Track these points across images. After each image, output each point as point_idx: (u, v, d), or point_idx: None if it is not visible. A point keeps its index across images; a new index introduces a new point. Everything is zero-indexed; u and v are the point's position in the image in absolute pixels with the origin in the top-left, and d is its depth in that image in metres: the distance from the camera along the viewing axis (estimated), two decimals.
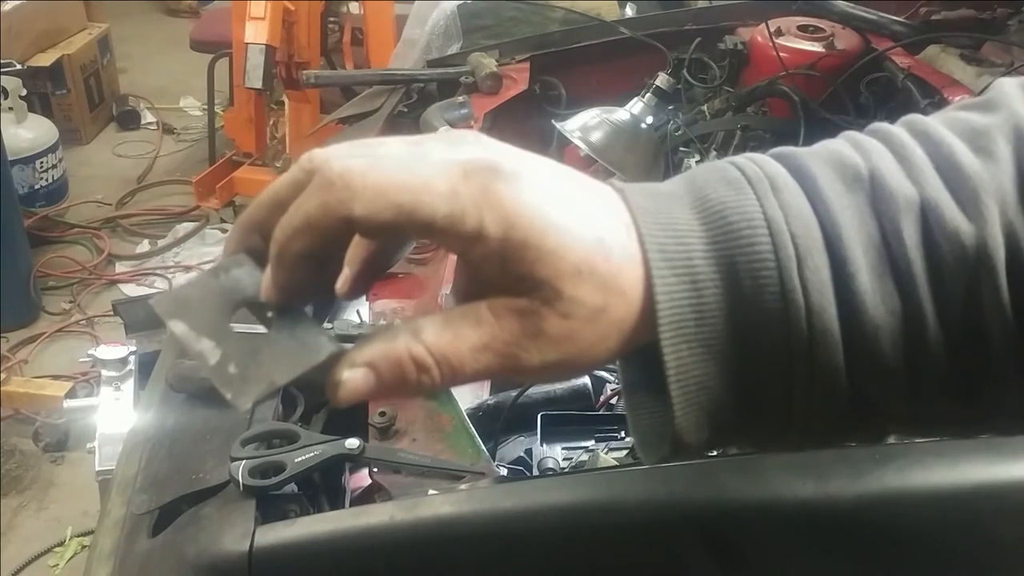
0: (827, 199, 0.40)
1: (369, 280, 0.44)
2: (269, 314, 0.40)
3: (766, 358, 0.39)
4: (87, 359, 1.38)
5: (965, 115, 0.44)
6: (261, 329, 0.40)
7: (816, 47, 1.63)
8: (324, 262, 0.40)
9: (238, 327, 0.40)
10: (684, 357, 0.39)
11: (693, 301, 0.39)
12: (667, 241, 0.39)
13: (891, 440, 0.90)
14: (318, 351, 0.39)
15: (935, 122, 0.43)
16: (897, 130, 0.44)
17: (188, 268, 3.29)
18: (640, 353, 0.41)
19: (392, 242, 0.44)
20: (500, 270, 0.38)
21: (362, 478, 0.91)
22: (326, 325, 1.03)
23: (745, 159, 0.43)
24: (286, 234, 0.39)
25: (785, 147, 0.44)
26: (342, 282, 0.43)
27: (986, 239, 0.39)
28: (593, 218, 0.39)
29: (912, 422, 0.45)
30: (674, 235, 0.40)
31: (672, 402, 0.39)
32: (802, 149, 0.43)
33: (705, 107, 1.63)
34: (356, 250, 0.43)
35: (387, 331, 0.39)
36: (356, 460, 0.81)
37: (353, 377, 0.38)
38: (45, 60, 3.86)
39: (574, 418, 1.07)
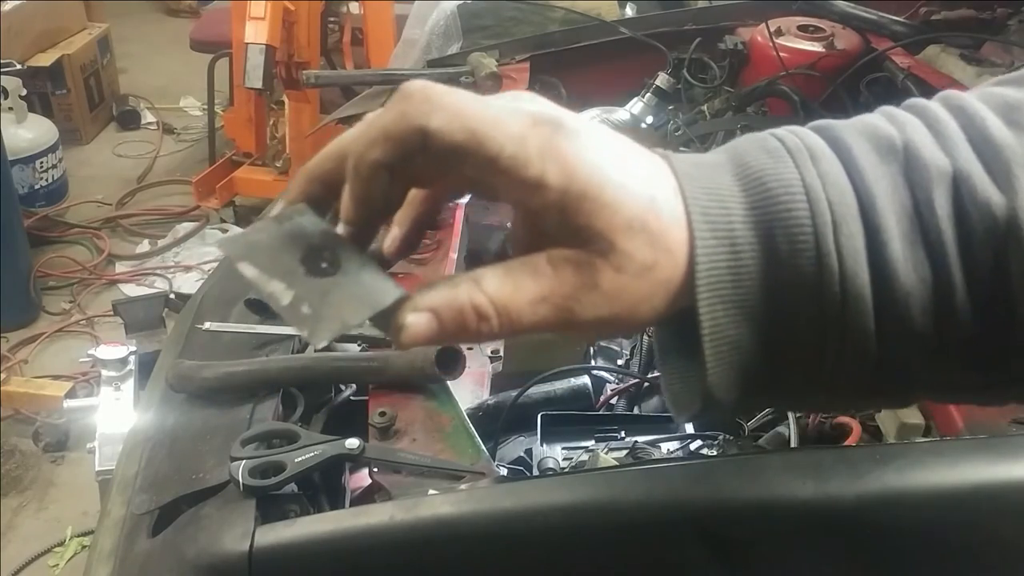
0: (862, 169, 0.41)
1: (416, 240, 0.47)
2: (333, 260, 0.42)
3: (798, 321, 0.41)
4: (87, 359, 1.38)
5: (1000, 90, 0.45)
6: (329, 273, 0.41)
7: (816, 47, 1.63)
8: (395, 178, 0.41)
9: (306, 270, 0.41)
10: (719, 317, 0.40)
11: (731, 263, 0.40)
12: (709, 205, 0.41)
13: (891, 441, 0.90)
14: (385, 294, 0.41)
15: (970, 96, 0.45)
16: (932, 104, 0.45)
17: (188, 268, 3.29)
18: (674, 317, 0.43)
19: (446, 189, 0.46)
20: (558, 221, 0.40)
21: (362, 478, 0.91)
22: None
23: (785, 131, 0.44)
24: (363, 144, 0.41)
25: (822, 120, 0.45)
26: (390, 241, 0.46)
27: (1016, 210, 0.40)
28: (645, 179, 0.41)
29: (936, 388, 0.45)
30: (716, 199, 0.41)
31: (705, 361, 0.41)
32: (839, 121, 0.44)
33: (705, 107, 1.63)
34: (405, 211, 0.46)
35: (450, 279, 0.41)
36: (356, 460, 0.81)
37: (417, 322, 0.40)
38: (45, 60, 3.86)
39: (574, 418, 1.07)
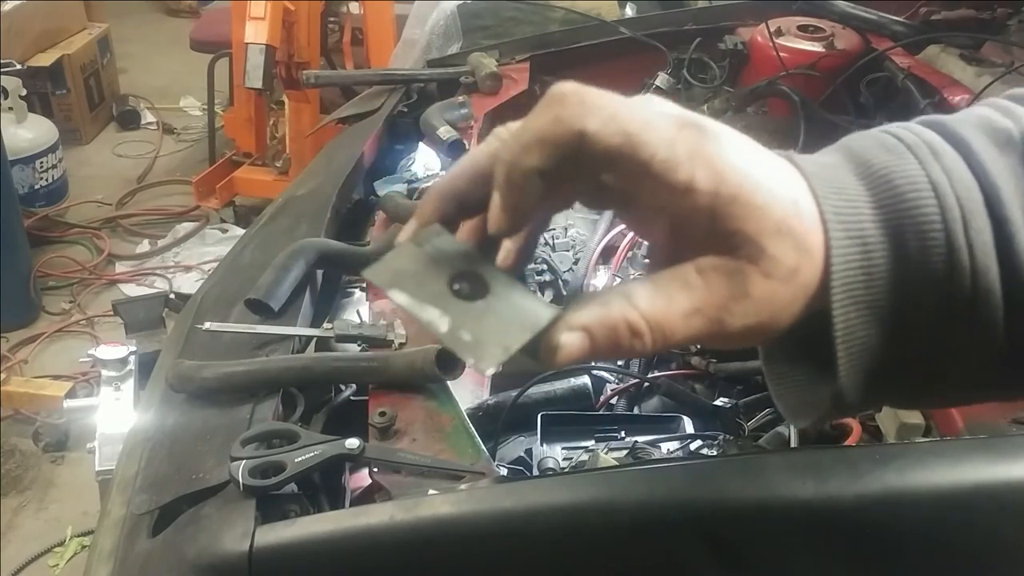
0: (983, 162, 0.41)
1: (532, 252, 0.47)
2: (480, 282, 0.42)
3: (928, 319, 0.40)
4: (87, 359, 1.38)
5: None
6: (479, 295, 0.42)
7: (816, 47, 1.63)
8: (550, 186, 0.40)
9: (455, 294, 0.41)
10: (852, 319, 0.40)
11: (863, 264, 0.40)
12: (840, 205, 0.41)
13: (891, 441, 0.90)
14: (540, 315, 0.40)
15: None
16: (1014, 106, 0.45)
17: (188, 268, 3.29)
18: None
19: (571, 196, 0.45)
20: (706, 227, 0.39)
21: (362, 478, 0.91)
22: (326, 325, 1.03)
23: (898, 127, 0.44)
24: (516, 151, 0.40)
25: (932, 115, 0.45)
26: (505, 255, 0.45)
27: None
28: (786, 181, 0.41)
29: None
30: (846, 199, 0.41)
31: (837, 364, 0.40)
32: (950, 116, 0.44)
33: (705, 107, 1.63)
34: None
35: (598, 296, 0.40)
36: (356, 460, 0.81)
37: (570, 341, 0.39)
38: (45, 60, 3.86)
39: (574, 418, 1.07)
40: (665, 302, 0.39)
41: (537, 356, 0.40)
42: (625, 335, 0.39)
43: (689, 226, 0.40)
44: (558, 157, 0.39)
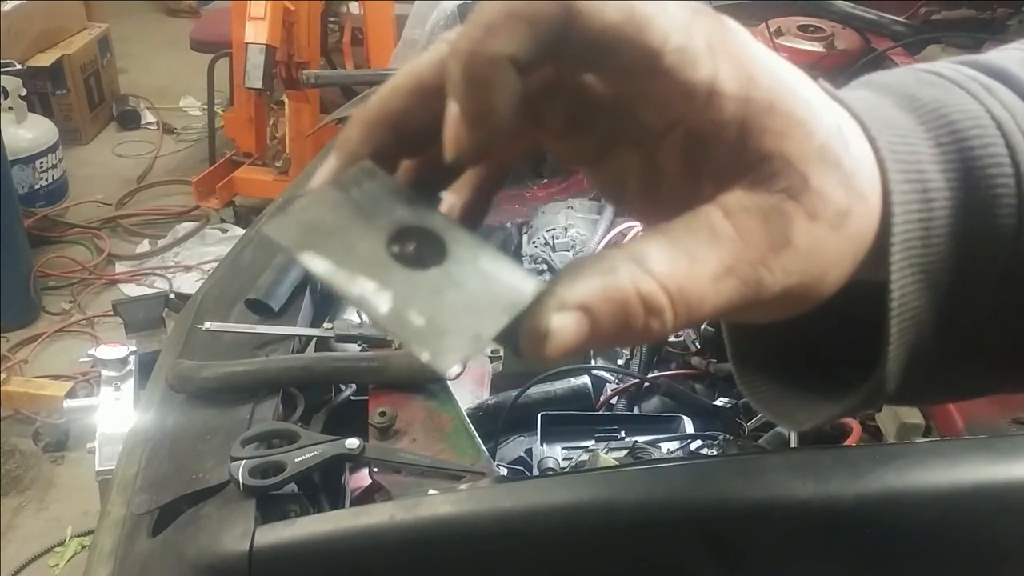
0: None
1: (482, 212, 0.35)
2: (433, 241, 0.30)
3: (982, 282, 0.33)
4: (87, 359, 1.38)
5: None
6: (434, 264, 0.29)
7: (816, 47, 1.63)
8: (527, 97, 0.30)
9: (400, 259, 0.29)
10: (907, 288, 0.32)
11: (923, 216, 0.31)
12: (895, 141, 0.32)
13: (891, 441, 0.90)
14: (520, 289, 0.29)
15: None
16: None
17: (188, 268, 3.29)
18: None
19: (547, 111, 0.33)
20: (734, 148, 0.30)
21: (362, 478, 0.91)
22: (326, 325, 1.02)
23: (928, 66, 0.36)
24: (477, 34, 0.28)
25: (964, 56, 0.37)
26: (447, 212, 0.33)
27: None
28: (825, 101, 0.31)
29: None
30: (898, 135, 0.32)
31: (888, 345, 0.32)
32: (984, 54, 0.37)
33: None
34: (465, 178, 0.35)
35: (598, 259, 0.29)
36: (356, 460, 0.81)
37: (564, 325, 0.28)
38: (45, 60, 3.86)
39: (574, 418, 1.07)
40: (688, 262, 0.29)
41: (518, 347, 0.29)
42: (638, 313, 0.28)
43: (709, 149, 0.30)
44: (538, 40, 0.28)
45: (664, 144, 0.32)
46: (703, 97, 0.29)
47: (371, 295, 0.28)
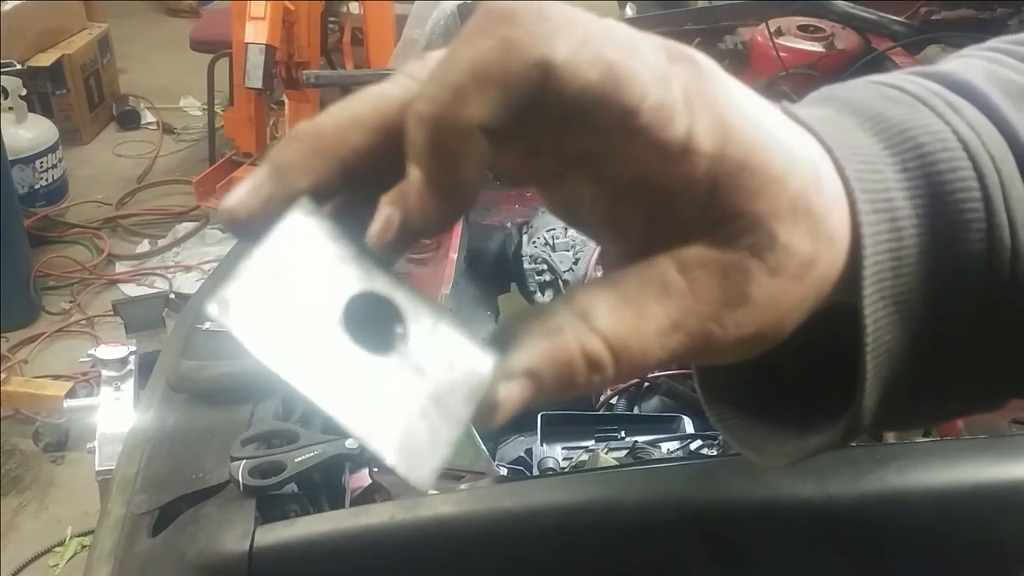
0: (1008, 119, 0.32)
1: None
2: (387, 311, 0.28)
3: (955, 312, 0.32)
4: (87, 359, 1.38)
5: None
6: (392, 348, 0.27)
7: (816, 47, 1.63)
8: (497, 151, 0.27)
9: (358, 342, 0.27)
10: (880, 321, 0.31)
11: (893, 246, 0.30)
12: (862, 168, 0.30)
13: (891, 441, 0.90)
14: (479, 372, 0.27)
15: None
16: (1003, 46, 0.37)
17: (188, 268, 3.29)
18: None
19: (520, 164, 0.31)
20: (701, 204, 0.28)
21: (362, 478, 0.91)
22: None
23: (889, 77, 0.35)
24: (445, 98, 0.25)
25: (924, 67, 0.36)
26: (383, 226, 0.28)
27: None
28: (800, 137, 0.30)
29: None
30: (866, 162, 0.31)
31: (865, 380, 0.31)
32: (948, 65, 0.36)
33: None
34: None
35: (541, 317, 0.28)
36: (356, 460, 0.81)
37: (511, 395, 0.27)
38: (45, 60, 3.86)
39: (574, 418, 1.07)
40: (633, 317, 0.28)
41: (472, 423, 0.28)
42: (581, 371, 0.27)
43: (674, 202, 0.28)
44: (511, 105, 0.25)
45: (627, 201, 0.30)
46: (676, 155, 0.27)
47: (336, 403, 0.26)
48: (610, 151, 0.28)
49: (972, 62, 0.36)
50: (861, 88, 0.34)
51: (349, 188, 0.29)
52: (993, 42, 0.38)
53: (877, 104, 0.33)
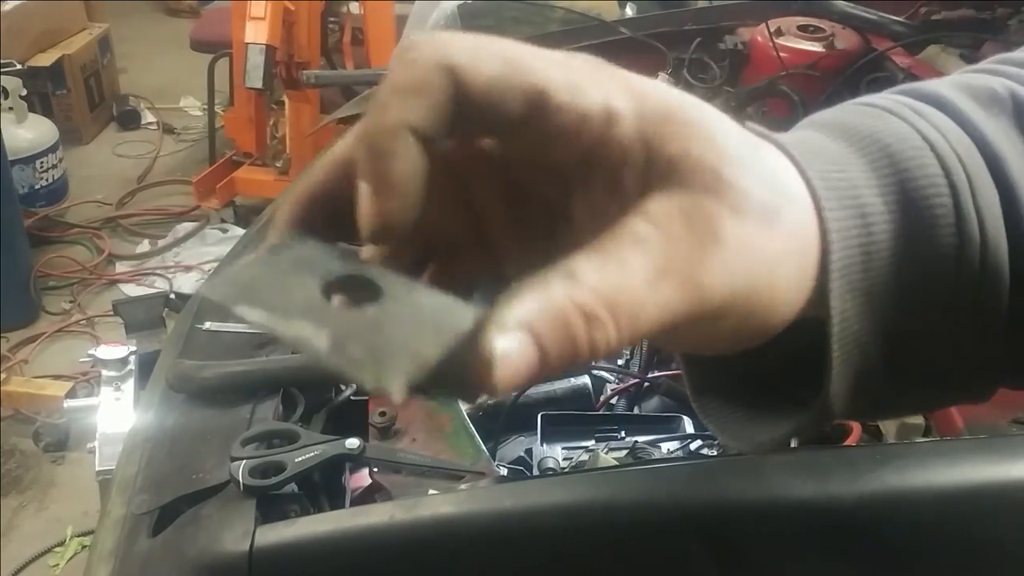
0: (974, 121, 0.34)
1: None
2: (366, 286, 0.30)
3: (927, 304, 0.33)
4: (87, 359, 1.38)
5: None
6: (370, 303, 0.29)
7: (816, 47, 1.63)
8: (432, 160, 0.30)
9: (334, 303, 0.29)
10: (848, 310, 0.32)
11: (863, 240, 0.32)
12: (827, 169, 0.32)
13: (891, 441, 0.90)
14: (459, 314, 0.28)
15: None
16: (995, 65, 0.39)
17: (188, 268, 3.29)
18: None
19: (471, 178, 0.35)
20: (643, 159, 0.30)
21: (362, 478, 0.91)
22: None
23: (864, 99, 0.37)
24: (376, 112, 0.29)
25: (903, 85, 0.38)
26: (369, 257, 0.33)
27: None
28: (738, 130, 0.32)
29: None
30: (831, 162, 0.33)
31: (831, 366, 0.32)
32: (924, 82, 0.38)
33: None
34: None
35: (532, 281, 0.28)
36: (356, 460, 0.81)
37: (509, 351, 0.27)
38: (45, 60, 3.86)
39: (574, 418, 1.07)
40: (618, 269, 0.28)
41: (465, 383, 0.28)
42: (579, 324, 0.27)
43: (624, 176, 0.30)
44: (433, 107, 0.29)
45: (579, 182, 0.33)
46: (601, 120, 0.29)
47: (309, 335, 0.27)
48: (543, 140, 0.30)
49: (944, 80, 0.38)
50: (831, 110, 0.36)
51: (336, 227, 0.33)
52: (988, 60, 0.40)
53: (844, 117, 0.35)
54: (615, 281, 0.28)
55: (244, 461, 0.77)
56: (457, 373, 0.27)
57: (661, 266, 0.29)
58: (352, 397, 0.97)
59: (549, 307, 0.27)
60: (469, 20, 2.02)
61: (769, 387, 0.38)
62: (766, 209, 0.30)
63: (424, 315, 0.28)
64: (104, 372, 1.31)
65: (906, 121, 0.34)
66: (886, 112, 0.35)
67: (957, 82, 0.37)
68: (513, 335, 0.27)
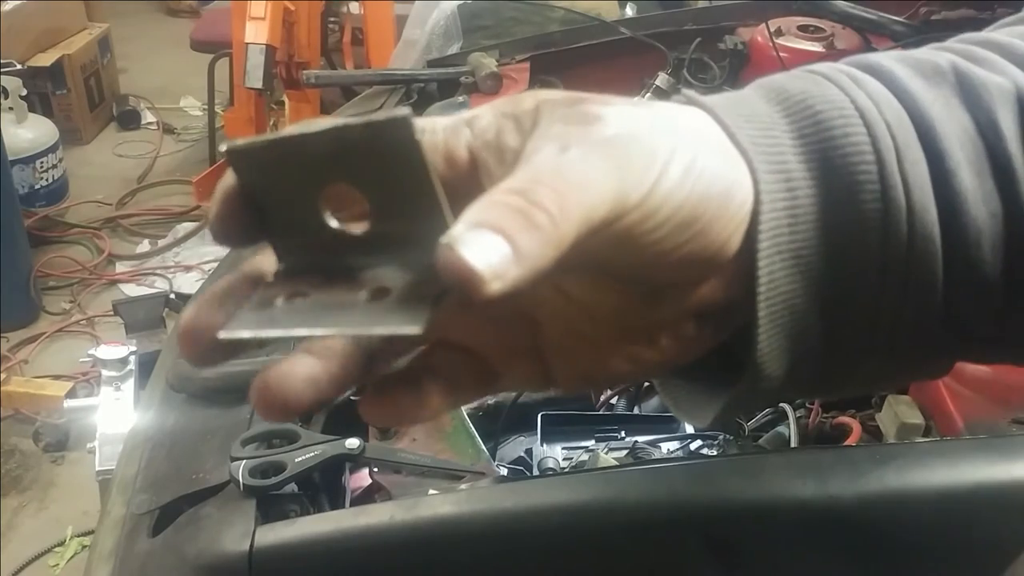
0: (910, 90, 0.35)
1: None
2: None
3: (857, 269, 0.34)
4: (87, 359, 1.38)
5: (1009, 30, 0.40)
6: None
7: (816, 47, 1.63)
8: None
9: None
10: (776, 272, 0.33)
11: (788, 203, 0.33)
12: (755, 134, 0.33)
13: (891, 441, 0.90)
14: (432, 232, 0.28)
15: (977, 36, 0.40)
16: (948, 44, 0.40)
17: (188, 268, 3.29)
18: None
19: None
20: (514, 127, 0.31)
21: (362, 478, 0.91)
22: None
23: (808, 67, 0.38)
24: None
25: (847, 57, 0.39)
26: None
27: None
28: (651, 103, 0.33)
29: (1000, 344, 0.38)
30: (760, 128, 0.34)
31: (758, 327, 0.33)
32: (868, 55, 0.38)
33: None
34: None
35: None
36: (356, 460, 0.81)
37: (477, 247, 0.26)
38: (45, 60, 3.85)
39: (574, 418, 1.07)
40: (524, 165, 0.29)
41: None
42: (523, 203, 0.27)
43: (505, 139, 0.31)
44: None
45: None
46: (454, 131, 0.31)
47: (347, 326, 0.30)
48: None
49: (889, 52, 0.38)
50: (780, 74, 0.37)
51: None
52: (950, 40, 0.40)
53: (786, 82, 0.36)
54: (531, 168, 0.29)
55: (244, 461, 0.77)
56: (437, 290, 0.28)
57: (561, 145, 0.29)
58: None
59: (486, 201, 0.27)
60: (469, 20, 2.02)
61: (730, 368, 0.38)
62: (637, 102, 0.32)
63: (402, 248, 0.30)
64: (104, 372, 1.31)
65: (841, 88, 0.35)
66: (824, 79, 0.36)
67: (902, 55, 0.38)
68: (473, 232, 0.26)
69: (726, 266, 0.33)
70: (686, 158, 0.31)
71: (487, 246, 0.26)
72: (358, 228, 0.31)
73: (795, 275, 0.33)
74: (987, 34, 0.40)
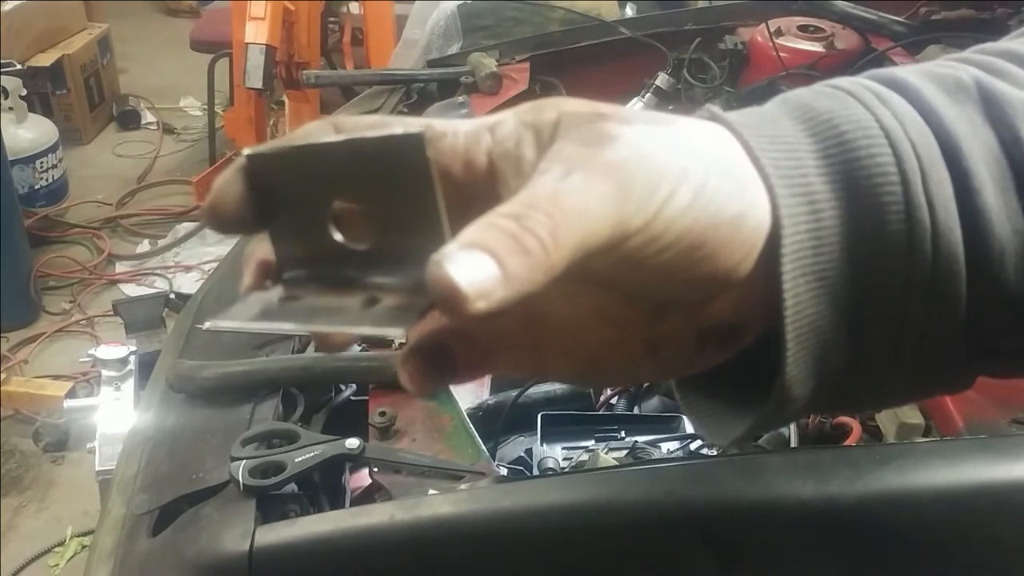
0: (935, 108, 0.35)
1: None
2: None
3: (882, 289, 0.34)
4: (87, 359, 1.38)
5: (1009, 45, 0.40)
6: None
7: (816, 47, 1.63)
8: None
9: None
10: (801, 294, 0.33)
11: (812, 225, 0.33)
12: (779, 156, 0.33)
13: (891, 441, 0.90)
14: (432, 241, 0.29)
15: (993, 46, 0.40)
16: (968, 55, 0.40)
17: (188, 268, 3.29)
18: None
19: None
20: (533, 138, 0.32)
21: (362, 478, 0.91)
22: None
23: (835, 80, 0.38)
24: None
25: (870, 70, 0.39)
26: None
27: None
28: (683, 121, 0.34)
29: (1020, 361, 0.38)
30: (784, 149, 0.34)
31: (786, 350, 0.33)
32: (891, 68, 0.39)
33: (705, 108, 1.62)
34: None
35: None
36: (356, 460, 0.81)
37: (464, 265, 0.27)
38: (45, 60, 3.85)
39: (574, 418, 1.07)
40: (528, 188, 0.29)
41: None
42: (515, 227, 0.27)
43: (522, 151, 0.32)
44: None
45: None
46: (475, 137, 0.32)
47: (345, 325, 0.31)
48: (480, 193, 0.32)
49: (913, 67, 0.38)
50: (805, 90, 0.37)
51: None
52: (968, 50, 0.40)
53: (811, 99, 0.36)
54: (530, 192, 0.29)
55: (244, 461, 0.77)
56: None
57: (566, 168, 0.29)
58: (352, 397, 0.97)
59: (483, 223, 0.28)
60: (469, 20, 2.02)
61: (750, 384, 0.39)
62: (658, 119, 0.32)
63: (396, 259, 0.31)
64: (104, 372, 1.31)
65: (866, 106, 0.35)
66: (849, 96, 0.36)
67: (925, 69, 0.38)
68: (464, 252, 0.27)
69: (737, 286, 0.33)
70: (697, 181, 0.31)
71: (475, 266, 0.27)
72: (360, 246, 0.32)
73: (820, 297, 0.33)
74: (1007, 44, 0.40)
